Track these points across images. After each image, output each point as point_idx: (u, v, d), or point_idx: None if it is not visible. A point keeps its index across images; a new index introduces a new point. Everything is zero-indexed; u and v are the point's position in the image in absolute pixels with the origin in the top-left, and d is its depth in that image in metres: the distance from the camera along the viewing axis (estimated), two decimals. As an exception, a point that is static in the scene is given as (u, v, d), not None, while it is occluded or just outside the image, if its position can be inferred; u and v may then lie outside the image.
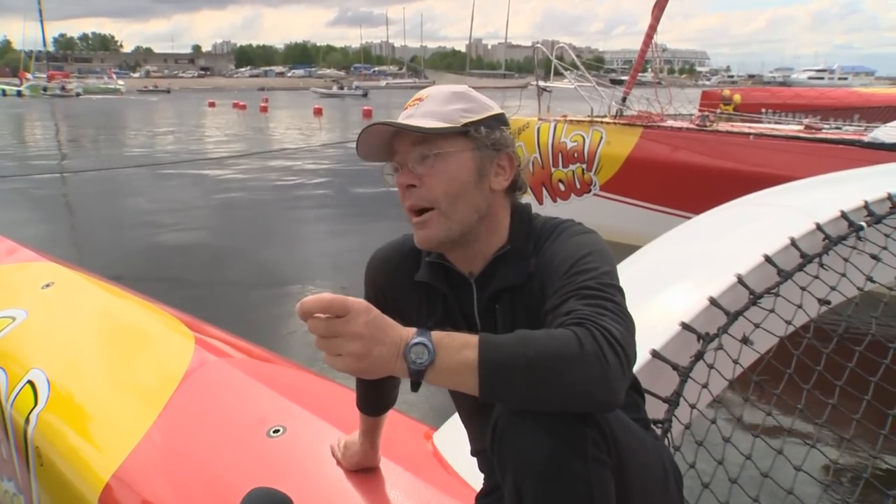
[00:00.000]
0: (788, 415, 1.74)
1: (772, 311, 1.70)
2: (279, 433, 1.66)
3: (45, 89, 59.75)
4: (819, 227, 1.87)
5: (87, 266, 3.27)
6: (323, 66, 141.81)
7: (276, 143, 20.13)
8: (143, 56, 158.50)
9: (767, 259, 1.77)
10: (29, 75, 68.84)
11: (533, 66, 9.97)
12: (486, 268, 1.23)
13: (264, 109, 37.41)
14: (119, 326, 2.42)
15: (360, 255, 1.56)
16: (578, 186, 7.76)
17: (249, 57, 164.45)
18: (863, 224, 1.91)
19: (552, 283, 1.10)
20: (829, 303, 1.79)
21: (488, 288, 1.22)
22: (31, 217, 9.37)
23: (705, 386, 1.56)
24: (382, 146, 1.22)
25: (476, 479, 1.41)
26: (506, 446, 1.00)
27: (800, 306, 1.73)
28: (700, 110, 8.45)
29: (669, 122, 7.70)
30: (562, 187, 7.93)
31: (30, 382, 2.09)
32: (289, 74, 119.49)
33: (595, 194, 7.59)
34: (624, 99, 8.31)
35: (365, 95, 55.46)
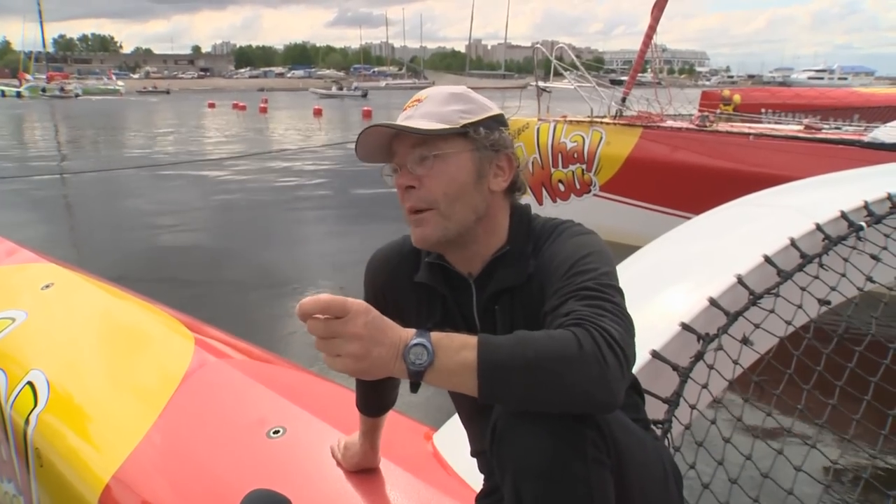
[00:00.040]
0: (788, 415, 1.74)
1: (772, 311, 1.70)
2: (279, 434, 1.66)
3: (43, 90, 59.80)
4: (819, 228, 1.87)
5: (86, 267, 3.27)
6: (322, 66, 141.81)
7: (275, 144, 20.15)
8: (142, 57, 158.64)
9: (767, 259, 1.77)
10: (28, 76, 68.91)
11: (532, 66, 9.96)
12: (485, 269, 1.23)
13: (264, 110, 37.42)
14: (119, 327, 2.42)
15: (359, 256, 1.56)
16: (578, 187, 7.76)
17: (249, 58, 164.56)
18: (863, 224, 1.91)
19: (551, 283, 1.10)
20: (829, 303, 1.79)
21: (487, 289, 1.22)
22: (31, 218, 9.38)
23: (705, 386, 1.56)
24: (381, 147, 1.22)
25: (476, 480, 1.41)
26: (505, 447, 1.00)
27: (800, 307, 1.73)
28: (700, 110, 8.45)
29: (669, 123, 7.69)
30: (561, 188, 7.93)
31: (29, 383, 2.09)
32: (288, 75, 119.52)
33: (595, 195, 7.59)
34: (624, 99, 8.31)
35: (364, 96, 55.46)
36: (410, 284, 1.29)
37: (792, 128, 7.56)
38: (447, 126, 1.17)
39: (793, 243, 1.82)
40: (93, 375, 2.12)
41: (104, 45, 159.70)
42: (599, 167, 7.51)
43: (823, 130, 7.14)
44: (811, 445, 1.60)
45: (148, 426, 1.78)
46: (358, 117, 31.35)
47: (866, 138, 6.19)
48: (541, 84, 8.70)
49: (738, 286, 1.71)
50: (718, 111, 8.90)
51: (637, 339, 1.02)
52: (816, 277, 1.79)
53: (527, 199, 1.31)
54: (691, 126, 7.44)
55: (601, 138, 7.51)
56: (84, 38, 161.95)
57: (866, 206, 1.98)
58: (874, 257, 1.89)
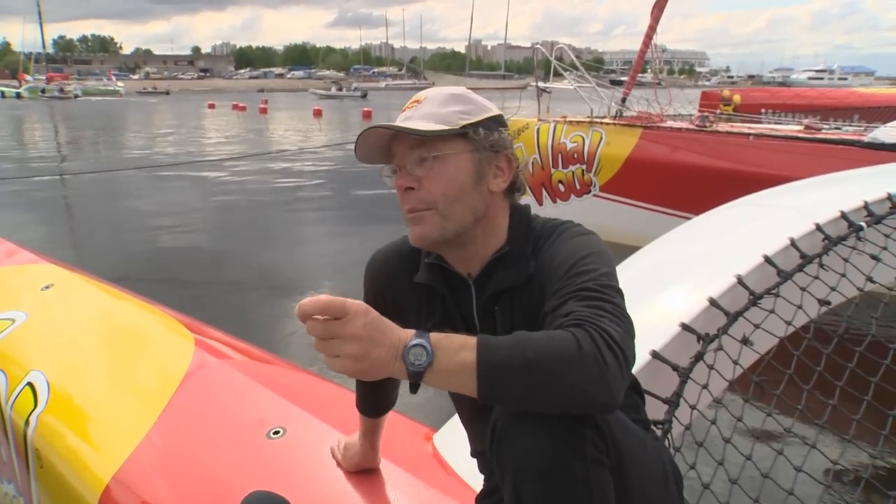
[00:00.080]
0: (789, 415, 1.74)
1: (772, 311, 1.70)
2: (279, 434, 1.66)
3: (43, 91, 59.86)
4: (819, 228, 1.87)
5: (86, 268, 3.27)
6: (322, 67, 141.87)
7: (275, 145, 20.14)
8: (142, 58, 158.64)
9: (767, 259, 1.77)
10: (28, 77, 68.94)
11: (532, 66, 9.96)
12: (485, 269, 1.23)
13: (264, 111, 37.43)
14: (119, 328, 2.42)
15: (359, 257, 1.56)
16: (578, 187, 7.76)
17: (249, 58, 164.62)
18: (863, 224, 1.91)
19: (551, 284, 1.10)
20: (829, 303, 1.79)
21: (487, 289, 1.22)
22: (31, 219, 9.38)
23: (705, 387, 1.56)
24: (381, 149, 1.21)
25: (476, 481, 1.41)
26: (505, 448, 1.00)
27: (800, 307, 1.73)
28: (700, 111, 8.44)
29: (669, 123, 7.69)
30: (561, 188, 7.93)
31: (29, 384, 2.09)
32: (288, 76, 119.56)
33: (595, 195, 7.59)
34: (623, 100, 8.32)
35: (364, 97, 55.47)
36: (410, 285, 1.29)
37: (792, 128, 7.56)
38: (446, 127, 1.17)
39: (793, 243, 1.82)
40: (93, 376, 2.12)
41: (104, 45, 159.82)
42: (599, 167, 7.51)
43: (823, 131, 7.14)
44: (811, 446, 1.60)
45: (148, 427, 1.78)
46: (358, 118, 31.35)
47: (866, 138, 6.18)
48: (541, 84, 8.69)
49: (738, 286, 1.71)
50: (718, 111, 8.90)
51: (637, 340, 1.02)
52: (816, 278, 1.79)
53: (527, 199, 1.31)
54: (691, 126, 7.44)
55: (601, 139, 7.51)
56: (84, 39, 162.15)
57: (866, 206, 1.98)
58: (874, 257, 1.89)
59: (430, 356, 0.93)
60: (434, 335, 0.95)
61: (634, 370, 1.16)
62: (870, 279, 1.86)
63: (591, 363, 0.92)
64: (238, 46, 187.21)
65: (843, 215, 1.92)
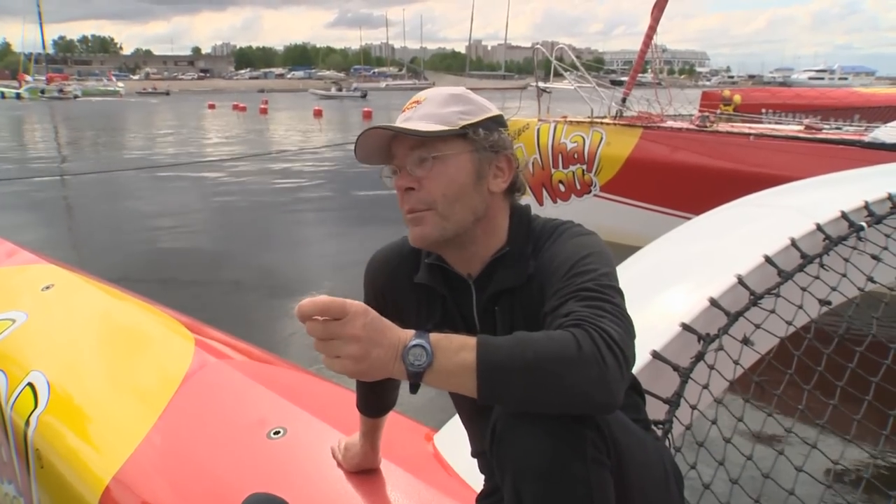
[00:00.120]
0: (789, 415, 1.74)
1: (772, 311, 1.69)
2: (279, 435, 1.66)
3: (42, 91, 59.85)
4: (819, 228, 1.87)
5: (87, 268, 3.27)
6: (323, 67, 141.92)
7: (275, 146, 20.15)
8: (142, 58, 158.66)
9: (768, 259, 1.77)
10: (28, 77, 68.92)
11: (533, 67, 9.97)
12: (485, 269, 1.23)
13: (264, 111, 37.43)
14: (119, 328, 2.42)
15: (359, 257, 1.56)
16: (578, 187, 7.76)
17: (249, 59, 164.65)
18: (863, 224, 1.91)
19: (551, 284, 1.10)
20: (829, 303, 1.79)
21: (487, 290, 1.22)
22: (31, 220, 9.39)
23: (706, 387, 1.56)
24: (381, 149, 1.21)
25: (477, 481, 1.41)
26: (505, 448, 1.00)
27: (800, 307, 1.73)
28: (700, 111, 8.44)
29: (669, 123, 7.69)
30: (562, 188, 7.93)
31: (30, 384, 2.09)
32: (288, 76, 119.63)
33: (595, 195, 7.59)
34: (624, 100, 8.32)
35: (364, 97, 55.47)
36: (410, 285, 1.29)
37: (792, 128, 7.56)
38: (446, 127, 1.17)
39: (793, 243, 1.82)
40: (93, 376, 2.12)
41: (104, 46, 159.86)
42: (600, 168, 7.51)
43: (824, 130, 7.14)
44: (812, 446, 1.60)
45: (148, 427, 1.78)
46: (358, 118, 31.36)
47: (867, 138, 6.19)
48: (541, 85, 8.69)
49: (738, 286, 1.71)
50: (719, 111, 8.89)
51: (637, 340, 1.02)
52: (817, 278, 1.79)
53: (527, 199, 1.30)
54: (691, 126, 7.44)
55: (601, 139, 7.51)
56: (84, 40, 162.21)
57: (867, 206, 1.98)
58: (875, 257, 1.88)
59: (430, 356, 0.93)
60: (434, 335, 0.95)
61: (635, 370, 1.16)
62: (870, 279, 1.86)
63: (591, 363, 0.92)
64: (238, 47, 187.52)
65: (844, 215, 1.92)
